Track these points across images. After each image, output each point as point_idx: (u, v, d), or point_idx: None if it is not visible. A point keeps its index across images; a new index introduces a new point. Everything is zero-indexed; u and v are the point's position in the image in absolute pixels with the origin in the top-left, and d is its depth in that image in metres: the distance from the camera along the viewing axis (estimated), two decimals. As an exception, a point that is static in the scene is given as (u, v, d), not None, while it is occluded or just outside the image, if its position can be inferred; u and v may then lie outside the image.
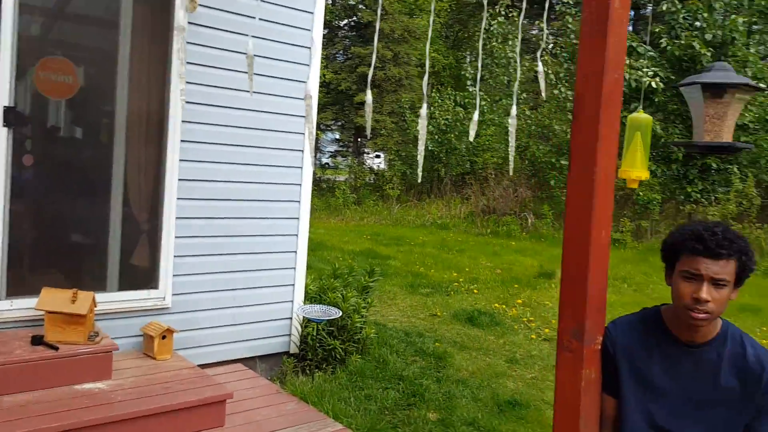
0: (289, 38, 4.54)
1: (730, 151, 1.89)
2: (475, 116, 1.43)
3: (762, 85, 2.03)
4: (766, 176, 12.88)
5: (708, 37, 12.57)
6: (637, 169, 1.92)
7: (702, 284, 1.56)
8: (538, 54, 1.47)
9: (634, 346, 1.72)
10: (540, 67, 1.47)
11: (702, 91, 1.83)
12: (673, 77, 12.84)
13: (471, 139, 1.47)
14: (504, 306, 7.00)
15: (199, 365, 4.14)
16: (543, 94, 1.91)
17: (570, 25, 14.55)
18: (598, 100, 1.43)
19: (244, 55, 4.35)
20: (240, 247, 4.51)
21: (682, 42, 12.67)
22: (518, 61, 2.08)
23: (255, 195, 4.53)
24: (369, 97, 1.45)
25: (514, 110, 1.50)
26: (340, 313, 4.49)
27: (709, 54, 12.30)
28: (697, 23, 12.85)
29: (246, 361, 4.61)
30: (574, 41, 14.17)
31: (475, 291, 7.61)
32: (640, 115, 1.94)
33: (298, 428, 3.61)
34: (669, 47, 12.74)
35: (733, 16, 12.57)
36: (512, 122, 1.51)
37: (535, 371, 5.16)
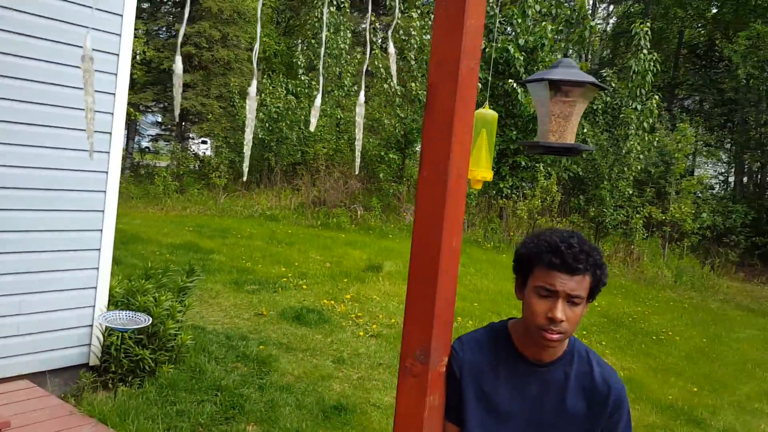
0: (93, 1, 3.91)
1: (573, 153, 1.81)
2: (317, 101, 1.15)
3: (604, 85, 2.05)
4: (565, 174, 14.18)
5: (521, 42, 13.48)
6: (482, 168, 1.77)
7: (557, 302, 1.43)
8: (390, 34, 1.22)
9: (482, 368, 1.56)
10: (391, 48, 1.22)
11: (549, 89, 1.72)
12: (489, 78, 13.64)
13: (312, 128, 1.18)
14: (333, 302, 6.83)
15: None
16: (394, 80, 1.68)
17: (399, 21, 14.81)
18: (453, 90, 1.23)
19: (29, 15, 3.66)
20: (27, 245, 3.81)
21: (499, 45, 13.46)
22: (369, 47, 1.80)
23: (47, 183, 3.84)
24: (179, 64, 1.11)
25: (362, 97, 1.24)
26: (150, 320, 3.96)
27: (522, 58, 13.18)
28: (509, 29, 13.75)
29: (35, 376, 3.93)
30: (403, 37, 14.46)
31: (304, 287, 7.35)
32: (486, 111, 1.79)
33: (94, 458, 3.09)
34: (487, 50, 13.47)
35: (543, 23, 13.61)
36: (360, 111, 1.24)
37: (361, 371, 5.03)
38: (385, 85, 14.72)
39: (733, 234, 15.71)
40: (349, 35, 18.44)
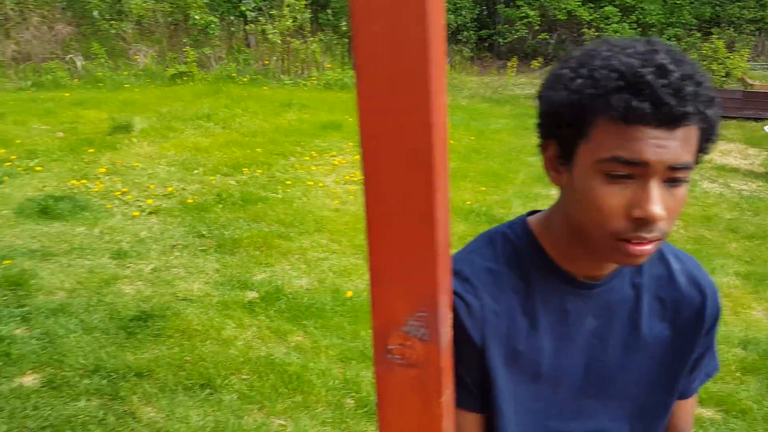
0: None
1: None
2: None
3: None
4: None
5: None
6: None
7: (648, 184, 0.80)
8: None
9: (512, 316, 0.90)
10: None
11: None
12: None
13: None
14: (85, 181, 5.46)
15: None
16: None
17: None
18: None
19: None
20: None
21: None
22: None
23: None
24: None
25: None
26: None
27: None
28: None
29: None
30: None
31: (38, 168, 5.78)
32: None
33: None
34: None
35: None
36: None
37: (152, 260, 4.10)
38: None
39: (464, 30, 16.46)
40: None
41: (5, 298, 3.45)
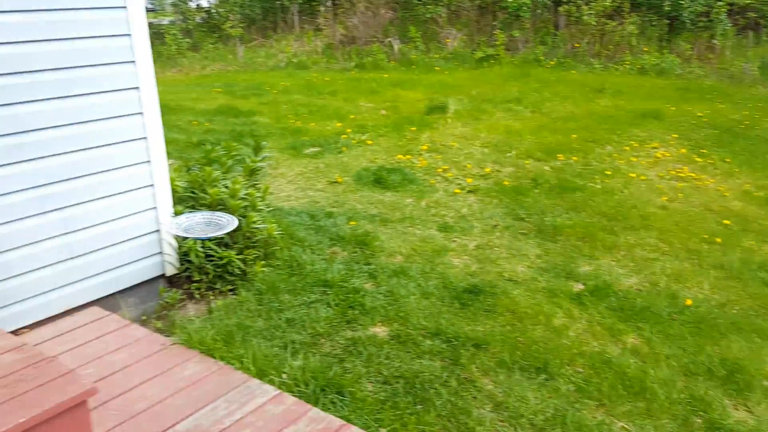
0: None
1: None
2: None
3: None
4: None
5: None
6: None
7: None
8: None
9: None
10: None
11: None
12: None
13: None
14: (409, 156, 5.91)
15: (26, 327, 2.83)
16: None
17: None
18: None
19: None
20: (56, 146, 2.93)
21: None
22: None
23: (54, 62, 2.85)
24: None
25: None
26: (236, 222, 3.14)
27: None
28: None
29: (104, 301, 3.25)
30: None
31: (369, 142, 6.41)
32: None
33: (210, 411, 2.42)
34: None
35: None
36: None
37: (475, 236, 4.24)
38: None
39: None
40: None
41: (355, 254, 3.88)
